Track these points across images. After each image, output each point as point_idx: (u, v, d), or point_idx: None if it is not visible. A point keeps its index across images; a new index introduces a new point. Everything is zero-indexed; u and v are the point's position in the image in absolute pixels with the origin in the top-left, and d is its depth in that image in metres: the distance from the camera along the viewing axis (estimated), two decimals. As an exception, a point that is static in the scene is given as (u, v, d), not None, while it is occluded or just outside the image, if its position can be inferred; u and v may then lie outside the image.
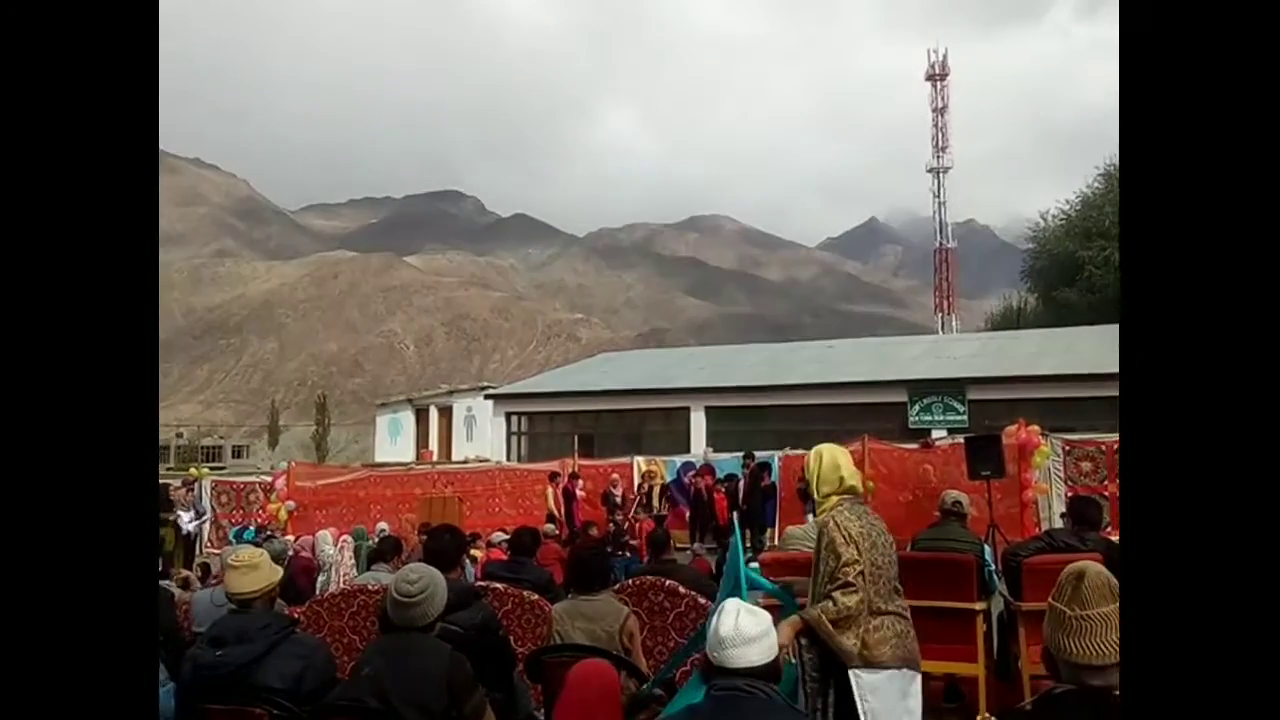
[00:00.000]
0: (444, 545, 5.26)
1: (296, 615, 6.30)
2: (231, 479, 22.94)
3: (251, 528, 17.73)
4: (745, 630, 2.77)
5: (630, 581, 6.26)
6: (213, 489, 20.87)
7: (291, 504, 17.80)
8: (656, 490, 18.68)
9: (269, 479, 20.40)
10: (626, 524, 17.70)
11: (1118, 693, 2.27)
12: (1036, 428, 14.82)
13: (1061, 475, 15.62)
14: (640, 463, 19.87)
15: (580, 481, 18.43)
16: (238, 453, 79.81)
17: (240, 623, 3.96)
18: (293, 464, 20.70)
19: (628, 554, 14.14)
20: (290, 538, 13.07)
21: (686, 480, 18.75)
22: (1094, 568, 2.37)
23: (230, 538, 17.99)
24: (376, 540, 10.43)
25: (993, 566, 6.72)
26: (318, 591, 9.06)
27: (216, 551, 17.25)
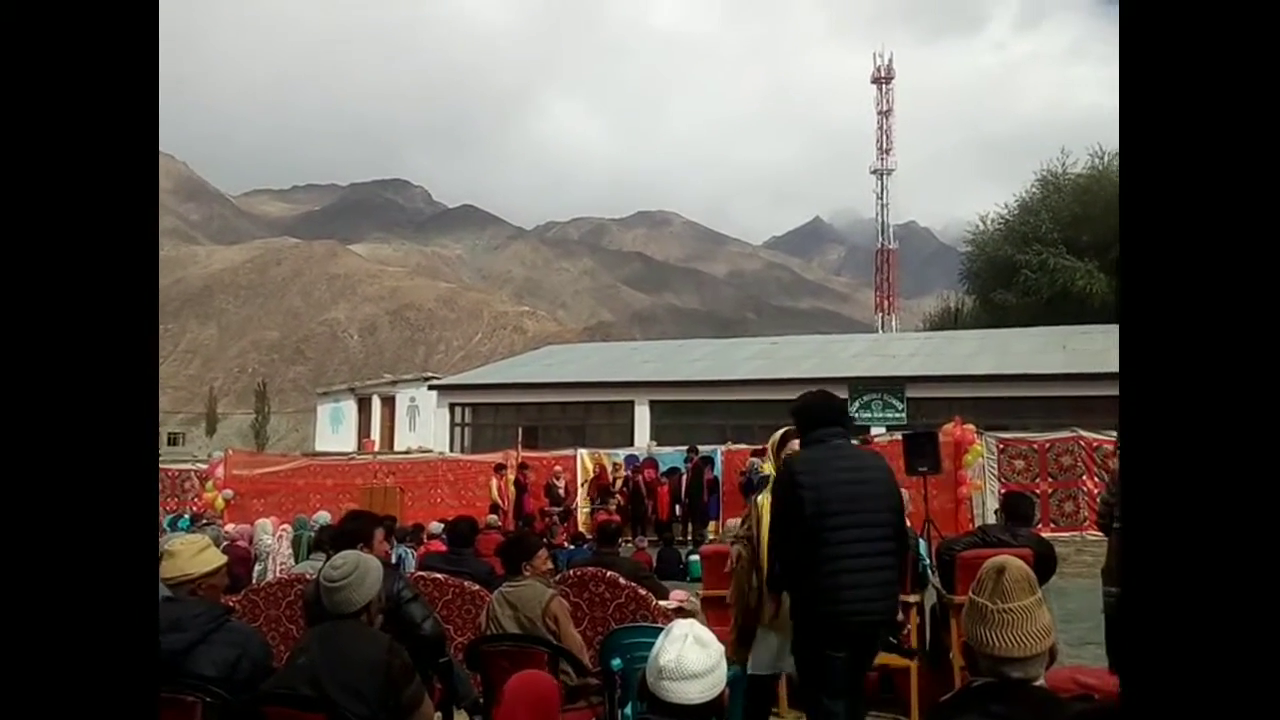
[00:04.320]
0: (347, 529, 5.56)
1: (232, 604, 6.23)
2: (167, 466, 22.49)
3: (186, 516, 17.42)
4: (688, 665, 2.48)
5: (572, 572, 6.30)
6: (146, 476, 20.42)
7: (229, 493, 17.51)
8: (619, 483, 18.62)
9: (205, 467, 20.03)
10: (569, 516, 17.71)
11: (1039, 684, 2.33)
12: (972, 426, 15.13)
13: (995, 472, 15.99)
14: (584, 456, 19.85)
15: (529, 472, 18.35)
16: (174, 440, 77.95)
17: (173, 611, 3.89)
18: (230, 451, 20.32)
19: (570, 545, 14.17)
20: (230, 526, 12.88)
21: (627, 474, 18.80)
22: (1014, 562, 2.39)
23: (164, 526, 17.64)
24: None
25: (927, 561, 6.86)
26: (254, 581, 8.95)
27: (149, 540, 16.89)
